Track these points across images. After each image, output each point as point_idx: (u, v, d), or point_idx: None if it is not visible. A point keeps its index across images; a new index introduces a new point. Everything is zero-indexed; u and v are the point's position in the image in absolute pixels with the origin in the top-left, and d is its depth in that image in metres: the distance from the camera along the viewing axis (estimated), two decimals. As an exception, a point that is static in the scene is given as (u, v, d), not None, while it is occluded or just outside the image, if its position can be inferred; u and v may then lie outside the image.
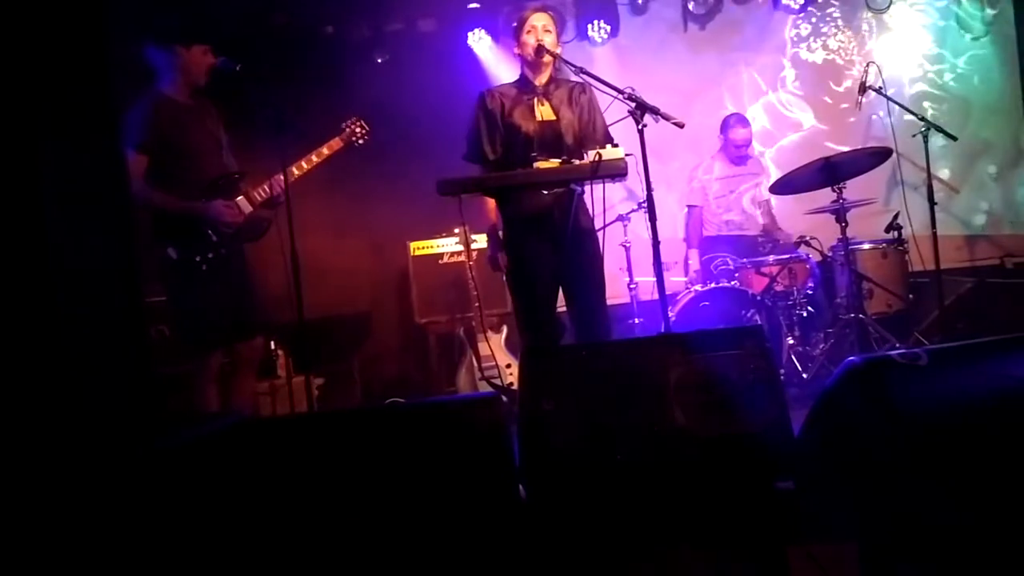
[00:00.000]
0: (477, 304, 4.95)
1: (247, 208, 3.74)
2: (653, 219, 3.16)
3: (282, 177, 3.70)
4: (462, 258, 5.36)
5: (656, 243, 3.16)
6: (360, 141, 4.01)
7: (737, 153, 5.53)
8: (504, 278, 3.74)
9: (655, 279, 3.28)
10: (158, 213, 3.56)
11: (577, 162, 3.25)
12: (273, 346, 5.08)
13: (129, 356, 2.23)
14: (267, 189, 3.76)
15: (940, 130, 4.74)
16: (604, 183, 3.25)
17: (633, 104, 3.15)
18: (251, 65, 3.75)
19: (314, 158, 3.86)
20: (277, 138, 3.59)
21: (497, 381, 4.77)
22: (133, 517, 1.49)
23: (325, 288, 4.96)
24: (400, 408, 3.03)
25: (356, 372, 5.85)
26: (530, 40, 3.57)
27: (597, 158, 3.13)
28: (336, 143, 3.94)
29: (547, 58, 3.56)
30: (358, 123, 4.01)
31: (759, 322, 4.71)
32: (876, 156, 4.83)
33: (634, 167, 3.23)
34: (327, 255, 5.21)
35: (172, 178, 3.58)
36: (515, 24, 3.71)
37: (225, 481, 1.76)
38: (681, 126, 3.22)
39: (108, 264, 2.25)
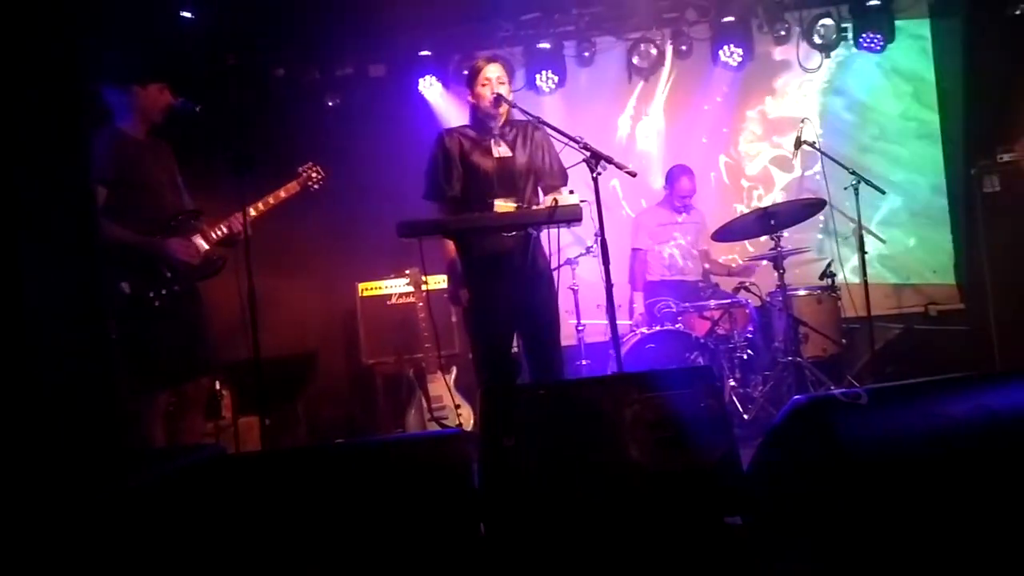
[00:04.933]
0: (428, 345, 5.00)
1: (203, 246, 3.76)
2: (607, 263, 3.26)
3: (239, 216, 3.74)
4: (411, 299, 5.40)
5: (609, 286, 3.26)
6: (315, 186, 4.09)
7: (682, 203, 5.74)
8: (460, 316, 3.78)
9: (608, 321, 3.38)
10: (113, 246, 3.53)
11: (535, 207, 3.36)
12: (218, 386, 5.02)
13: (96, 391, 2.24)
14: (224, 228, 3.80)
15: (869, 183, 4.98)
16: (560, 228, 3.36)
17: (588, 153, 3.27)
18: (208, 105, 3.79)
19: (271, 200, 3.92)
20: (236, 178, 3.62)
21: (447, 422, 4.79)
22: (112, 552, 1.50)
23: (272, 328, 4.93)
24: (369, 444, 3.05)
25: (301, 412, 5.80)
26: (486, 93, 3.66)
27: (554, 203, 3.24)
28: (293, 187, 4.01)
29: (503, 107, 3.68)
30: (315, 168, 4.08)
31: (703, 364, 4.86)
32: (811, 207, 5.09)
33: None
34: (275, 295, 5.19)
35: (129, 213, 3.57)
36: (467, 74, 3.82)
37: (203, 515, 1.78)
38: (633, 175, 3.36)
39: (76, 300, 2.26)
